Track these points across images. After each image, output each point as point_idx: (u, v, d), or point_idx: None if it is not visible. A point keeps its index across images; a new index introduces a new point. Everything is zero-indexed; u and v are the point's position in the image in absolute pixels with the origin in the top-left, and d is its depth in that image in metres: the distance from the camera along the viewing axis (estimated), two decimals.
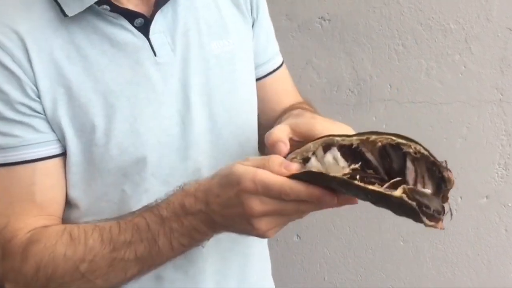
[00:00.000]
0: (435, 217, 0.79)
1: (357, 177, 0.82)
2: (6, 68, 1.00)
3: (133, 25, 1.06)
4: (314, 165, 0.87)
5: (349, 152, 0.86)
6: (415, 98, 2.03)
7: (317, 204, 0.87)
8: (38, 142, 1.03)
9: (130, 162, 1.06)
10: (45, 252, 1.00)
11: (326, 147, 0.87)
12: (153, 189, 1.08)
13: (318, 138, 0.88)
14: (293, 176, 0.85)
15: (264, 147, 1.28)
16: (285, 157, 0.89)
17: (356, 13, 2.00)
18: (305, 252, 2.28)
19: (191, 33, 1.12)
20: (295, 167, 0.86)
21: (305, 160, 0.88)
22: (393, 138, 0.84)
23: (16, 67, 1.00)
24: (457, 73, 1.97)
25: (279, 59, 1.32)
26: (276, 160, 0.87)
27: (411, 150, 0.83)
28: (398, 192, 0.79)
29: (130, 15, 1.06)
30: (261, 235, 0.90)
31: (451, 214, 0.81)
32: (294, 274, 2.29)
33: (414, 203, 0.78)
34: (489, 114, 1.98)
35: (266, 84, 1.29)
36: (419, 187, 0.82)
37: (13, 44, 1.00)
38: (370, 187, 0.80)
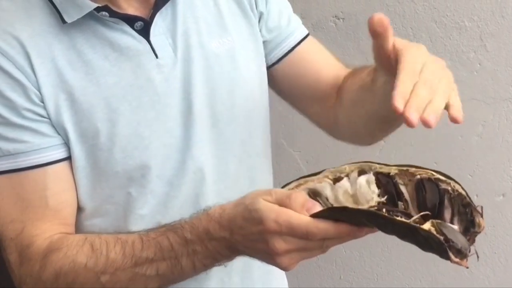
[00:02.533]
0: (462, 253, 0.77)
1: (384, 210, 0.81)
2: (9, 75, 1.00)
3: (133, 28, 1.06)
4: (344, 185, 0.86)
5: (384, 181, 0.85)
6: None
7: (342, 239, 0.86)
8: (47, 146, 1.03)
9: (134, 165, 1.06)
10: (66, 261, 1.00)
11: (362, 172, 0.87)
12: (158, 190, 1.09)
13: (356, 162, 0.88)
14: (314, 215, 0.84)
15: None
16: None
17: (370, 11, 1.99)
18: None
19: (190, 33, 1.11)
20: (317, 208, 0.85)
21: (336, 180, 0.88)
22: (434, 173, 0.84)
23: (19, 74, 1.01)
24: (472, 71, 1.96)
25: (299, 34, 1.27)
26: (299, 200, 0.86)
27: (449, 188, 0.82)
28: (426, 226, 0.77)
29: (129, 19, 1.06)
30: (283, 269, 0.90)
31: (478, 256, 0.79)
32: (309, 272, 2.29)
33: (441, 237, 0.76)
34: (504, 112, 1.97)
35: (294, 59, 1.25)
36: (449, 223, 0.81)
37: (15, 51, 1.01)
38: (398, 219, 0.79)
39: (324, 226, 0.83)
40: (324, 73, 1.26)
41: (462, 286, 2.12)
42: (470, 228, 0.80)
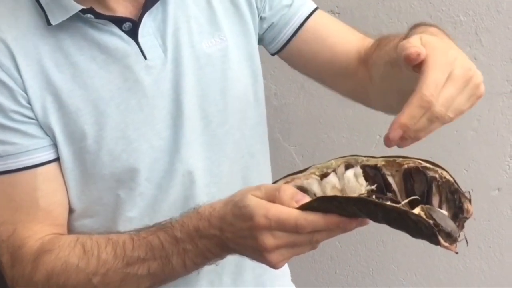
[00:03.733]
0: (452, 237, 0.78)
1: (373, 197, 0.81)
2: None
3: (122, 29, 1.05)
4: (332, 180, 0.87)
5: (372, 173, 0.85)
6: None
7: (332, 232, 0.86)
8: (36, 148, 1.03)
9: (122, 168, 1.06)
10: (58, 262, 1.00)
11: (349, 166, 0.87)
12: (148, 192, 1.08)
13: (341, 157, 0.88)
14: (304, 206, 0.84)
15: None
16: None
17: (365, 5, 1.99)
18: None
19: (181, 32, 1.10)
20: (306, 200, 0.85)
21: (323, 176, 0.88)
22: (420, 162, 0.84)
23: (5, 76, 1.00)
24: None
25: (307, 9, 1.24)
26: (287, 192, 0.86)
27: (437, 176, 0.83)
28: (416, 210, 0.77)
29: (117, 21, 1.05)
30: (272, 266, 0.89)
31: (467, 242, 0.80)
32: (305, 267, 2.29)
33: (431, 222, 0.76)
34: (500, 107, 1.98)
35: (306, 34, 1.23)
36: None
37: (1, 53, 1.00)
38: (388, 203, 0.79)
39: (313, 218, 0.83)
40: (340, 47, 1.23)
41: (457, 280, 2.13)
42: (459, 214, 0.81)
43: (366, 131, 2.09)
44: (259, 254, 0.88)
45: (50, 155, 1.04)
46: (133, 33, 1.06)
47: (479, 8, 1.91)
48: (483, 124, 2.00)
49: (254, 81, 1.20)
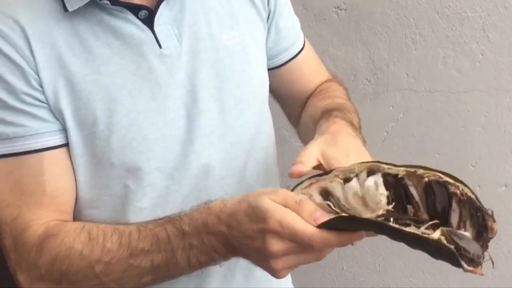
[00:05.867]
0: (475, 261, 0.75)
1: (391, 219, 0.79)
2: (9, 58, 0.99)
3: (137, 17, 1.05)
4: (353, 186, 0.85)
5: (393, 182, 0.84)
6: (432, 87, 2.02)
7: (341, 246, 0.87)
8: (45, 131, 1.02)
9: (132, 156, 1.05)
10: (62, 247, 0.99)
11: (371, 172, 0.86)
12: (159, 183, 1.08)
13: (365, 162, 0.87)
14: (321, 224, 0.83)
15: (297, 124, 1.28)
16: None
17: (372, 2, 1.99)
18: None
19: (200, 24, 1.10)
20: (324, 219, 0.85)
21: (346, 180, 0.87)
22: (441, 176, 0.82)
23: (19, 57, 1.00)
24: (474, 62, 1.96)
25: (301, 41, 1.31)
26: (308, 208, 0.86)
27: (458, 192, 0.80)
28: (435, 235, 0.75)
29: (133, 8, 1.05)
30: (274, 274, 0.89)
31: (493, 263, 0.76)
32: (312, 263, 2.30)
33: (452, 246, 0.74)
34: (507, 103, 1.97)
35: (292, 68, 1.29)
36: (460, 230, 0.79)
37: (15, 34, 1.00)
38: (407, 229, 0.77)
39: (328, 236, 0.83)
40: (308, 86, 1.32)
41: (464, 276, 2.12)
42: (483, 233, 0.78)
43: (372, 127, 2.09)
44: (263, 258, 0.88)
45: (58, 140, 1.04)
46: (149, 21, 1.06)
47: (486, 4, 1.90)
48: (490, 121, 2.00)
49: (265, 76, 1.21)
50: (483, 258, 0.76)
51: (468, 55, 1.95)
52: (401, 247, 2.30)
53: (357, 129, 1.11)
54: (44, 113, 1.02)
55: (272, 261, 0.87)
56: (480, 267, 0.75)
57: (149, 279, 1.00)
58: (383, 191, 0.83)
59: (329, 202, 0.88)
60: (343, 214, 0.85)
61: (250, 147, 1.16)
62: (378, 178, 0.84)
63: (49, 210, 1.04)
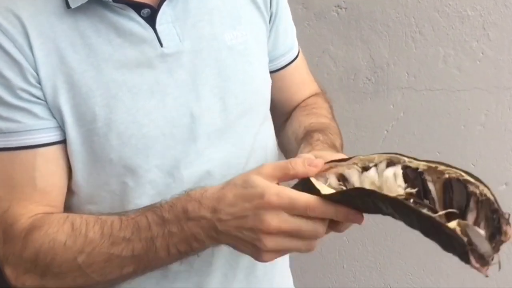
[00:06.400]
0: (484, 259, 0.74)
1: (411, 200, 0.79)
2: (7, 53, 0.99)
3: (140, 15, 1.05)
4: (371, 175, 0.85)
5: (412, 176, 0.83)
6: (432, 86, 2.02)
7: (336, 226, 0.88)
8: (39, 128, 1.02)
9: (131, 153, 1.05)
10: (46, 239, 0.99)
11: (390, 163, 0.85)
12: (159, 181, 1.07)
13: (386, 153, 0.86)
14: (330, 195, 0.84)
15: (280, 139, 1.29)
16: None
17: (372, 1, 1.99)
18: (324, 241, 2.27)
19: (203, 24, 1.10)
20: (320, 163, 0.86)
21: (364, 169, 0.87)
22: (462, 174, 0.81)
23: (17, 53, 0.99)
24: (475, 60, 1.96)
25: (296, 49, 1.32)
26: (298, 160, 0.87)
27: (477, 191, 0.79)
28: (452, 224, 0.74)
29: (136, 6, 1.04)
30: (261, 255, 0.89)
31: (499, 266, 0.76)
32: (313, 262, 2.30)
33: (465, 239, 0.73)
34: (507, 101, 1.97)
35: (285, 74, 1.29)
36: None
37: (15, 29, 0.99)
38: (424, 211, 0.77)
39: (325, 204, 0.84)
40: (299, 94, 1.33)
41: (465, 275, 2.13)
42: (496, 235, 0.77)
43: (373, 126, 2.09)
44: (254, 238, 0.87)
45: (53, 137, 1.03)
46: (151, 20, 1.05)
47: (487, 3, 1.90)
48: (491, 119, 2.00)
49: (267, 77, 1.21)
50: (492, 259, 0.75)
51: (469, 53, 1.95)
52: (402, 246, 2.32)
53: (339, 150, 1.12)
54: (40, 109, 1.02)
55: (264, 239, 0.87)
56: (487, 267, 0.75)
57: (130, 270, 0.99)
58: (401, 183, 0.82)
59: (343, 187, 0.88)
60: (361, 187, 0.85)
61: (252, 147, 1.16)
62: (397, 170, 0.84)
63: (39, 204, 1.04)
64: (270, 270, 1.24)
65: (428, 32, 1.98)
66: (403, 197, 0.81)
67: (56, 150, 1.05)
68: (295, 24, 1.33)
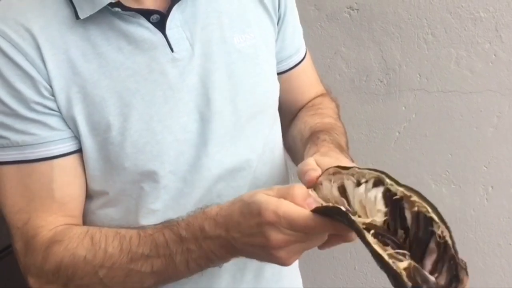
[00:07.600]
0: None
1: (372, 231, 0.78)
2: (19, 67, 0.99)
3: (149, 21, 1.05)
4: (360, 193, 0.84)
5: (392, 198, 0.81)
6: (444, 87, 2.01)
7: (345, 237, 0.88)
8: (54, 139, 1.03)
9: (146, 160, 1.05)
10: (66, 253, 1.01)
11: (377, 183, 0.84)
12: (172, 185, 1.08)
13: (375, 170, 0.85)
14: (315, 209, 0.84)
15: (286, 141, 1.29)
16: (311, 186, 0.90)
17: (384, 2, 1.99)
18: None
19: (212, 27, 1.10)
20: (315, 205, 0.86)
21: (358, 183, 0.86)
22: (429, 210, 0.77)
23: (29, 66, 0.99)
24: (487, 62, 1.95)
25: (303, 51, 1.32)
26: (300, 192, 0.86)
27: (438, 232, 0.75)
28: (401, 265, 0.73)
29: (145, 12, 1.04)
30: (283, 264, 0.89)
31: None
32: (324, 263, 2.30)
33: (409, 284, 0.71)
34: None
35: (292, 76, 1.29)
36: (434, 272, 0.74)
37: (26, 42, 0.99)
38: (375, 247, 0.75)
39: (321, 221, 0.84)
40: (305, 95, 1.33)
41: (476, 277, 2.12)
42: (453, 282, 0.73)
43: (385, 128, 2.09)
44: (267, 252, 0.88)
45: (68, 147, 1.04)
46: (161, 25, 1.05)
47: (499, 4, 1.90)
48: (503, 121, 1.99)
49: (276, 79, 1.22)
50: None
51: (481, 55, 1.95)
52: None
53: (345, 150, 1.11)
54: (54, 121, 1.02)
55: (275, 253, 0.87)
56: None
57: (151, 283, 1.01)
58: (381, 207, 0.81)
59: (343, 199, 0.87)
60: (330, 204, 0.85)
61: (262, 149, 1.16)
62: (378, 193, 0.82)
63: (58, 216, 1.05)
64: (278, 271, 1.24)
65: (441, 34, 1.97)
66: (380, 222, 0.80)
67: (73, 160, 1.05)
68: (307, 26, 1.33)
